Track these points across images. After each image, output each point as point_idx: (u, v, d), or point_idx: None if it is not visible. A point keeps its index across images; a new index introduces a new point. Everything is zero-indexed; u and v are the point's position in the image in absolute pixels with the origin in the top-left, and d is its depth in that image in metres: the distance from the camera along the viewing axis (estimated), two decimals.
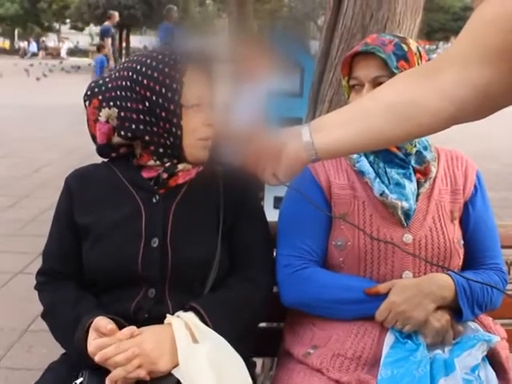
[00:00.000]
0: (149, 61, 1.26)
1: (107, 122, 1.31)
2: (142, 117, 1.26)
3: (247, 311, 1.29)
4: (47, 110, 11.51)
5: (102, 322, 1.17)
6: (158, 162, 1.30)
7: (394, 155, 1.33)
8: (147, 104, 1.25)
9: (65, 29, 48.91)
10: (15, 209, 5.13)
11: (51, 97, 14.02)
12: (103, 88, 1.31)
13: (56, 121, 10.14)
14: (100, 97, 1.31)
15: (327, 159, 1.31)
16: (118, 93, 1.28)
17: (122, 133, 1.28)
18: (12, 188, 5.77)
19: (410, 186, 1.33)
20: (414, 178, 1.35)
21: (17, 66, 23.58)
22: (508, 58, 0.88)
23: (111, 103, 1.29)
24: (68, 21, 40.91)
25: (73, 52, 41.46)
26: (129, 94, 1.26)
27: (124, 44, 31.90)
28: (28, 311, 2.90)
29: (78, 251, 1.32)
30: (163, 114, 1.25)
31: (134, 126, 1.27)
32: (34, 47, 40.59)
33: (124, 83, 1.27)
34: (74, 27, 42.79)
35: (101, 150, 1.36)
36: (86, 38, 49.51)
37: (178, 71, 1.25)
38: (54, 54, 39.49)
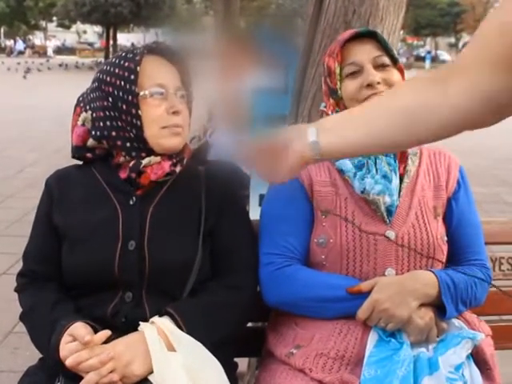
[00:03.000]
0: (113, 59, 1.31)
1: (83, 125, 1.33)
2: (107, 113, 1.28)
3: (227, 315, 1.27)
4: (33, 110, 11.42)
5: (81, 332, 1.14)
6: (127, 158, 1.29)
7: None
8: (110, 99, 1.28)
9: (51, 27, 48.63)
10: (0, 209, 5.08)
11: (37, 96, 13.91)
12: (85, 95, 1.35)
13: (42, 120, 10.06)
14: (82, 104, 1.35)
15: (331, 159, 1.30)
16: (91, 95, 1.31)
17: (93, 133, 1.30)
18: None
19: (396, 182, 1.32)
20: (398, 173, 1.33)
21: (4, 65, 23.38)
22: None
23: (87, 107, 1.32)
24: (55, 19, 40.71)
25: (60, 50, 41.22)
26: (97, 93, 1.30)
27: (111, 42, 31.76)
28: (13, 313, 2.81)
29: (57, 253, 1.30)
30: (124, 107, 1.26)
31: (101, 124, 1.29)
32: (20, 45, 40.33)
33: (94, 85, 1.31)
34: (60, 25, 42.60)
35: (75, 153, 1.36)
36: (73, 35, 49.28)
37: (133, 61, 1.26)
38: (41, 52, 39.24)
